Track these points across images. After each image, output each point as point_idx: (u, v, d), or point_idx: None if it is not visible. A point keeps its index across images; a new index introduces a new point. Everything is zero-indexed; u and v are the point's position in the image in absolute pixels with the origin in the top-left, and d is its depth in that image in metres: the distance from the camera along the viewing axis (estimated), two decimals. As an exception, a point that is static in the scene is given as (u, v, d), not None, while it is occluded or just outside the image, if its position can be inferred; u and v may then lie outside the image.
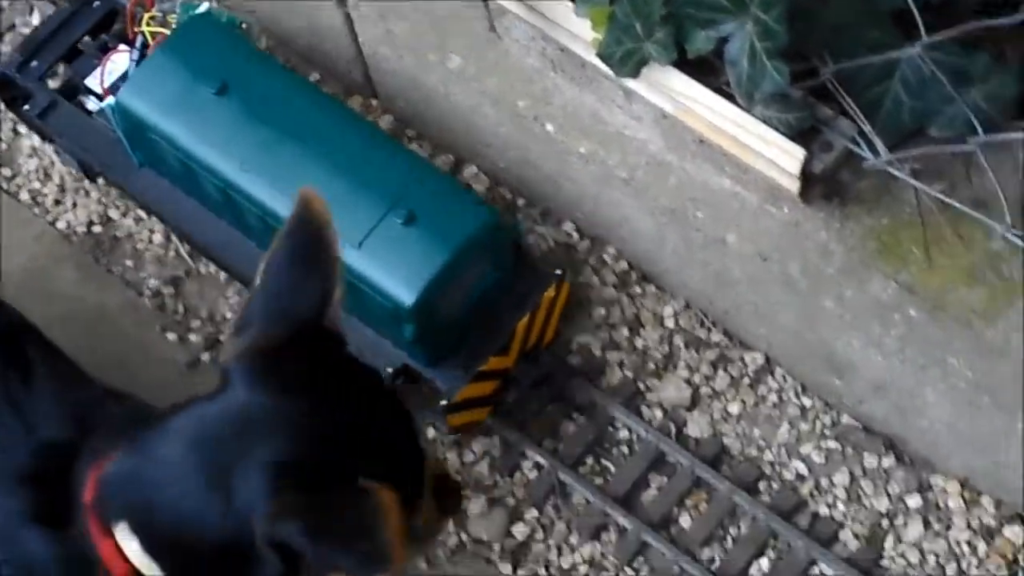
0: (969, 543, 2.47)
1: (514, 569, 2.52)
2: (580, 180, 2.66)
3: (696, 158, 2.40)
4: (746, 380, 2.58)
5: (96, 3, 2.82)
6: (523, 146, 2.72)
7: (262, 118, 2.55)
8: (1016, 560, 2.48)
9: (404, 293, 2.37)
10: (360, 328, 2.54)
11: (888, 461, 2.53)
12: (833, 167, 2.39)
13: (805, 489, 2.52)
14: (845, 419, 2.54)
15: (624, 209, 2.59)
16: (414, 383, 2.56)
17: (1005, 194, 2.29)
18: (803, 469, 2.53)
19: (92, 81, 2.77)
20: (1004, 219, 2.19)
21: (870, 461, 2.53)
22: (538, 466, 2.52)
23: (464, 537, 2.57)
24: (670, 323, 2.60)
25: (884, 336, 2.45)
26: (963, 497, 2.50)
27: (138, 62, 2.70)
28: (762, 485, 2.53)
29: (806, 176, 2.37)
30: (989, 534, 2.48)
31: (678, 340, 2.57)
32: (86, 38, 2.82)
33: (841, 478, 2.54)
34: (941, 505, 2.51)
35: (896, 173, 2.31)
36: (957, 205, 2.30)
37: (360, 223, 2.42)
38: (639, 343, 2.56)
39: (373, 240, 2.41)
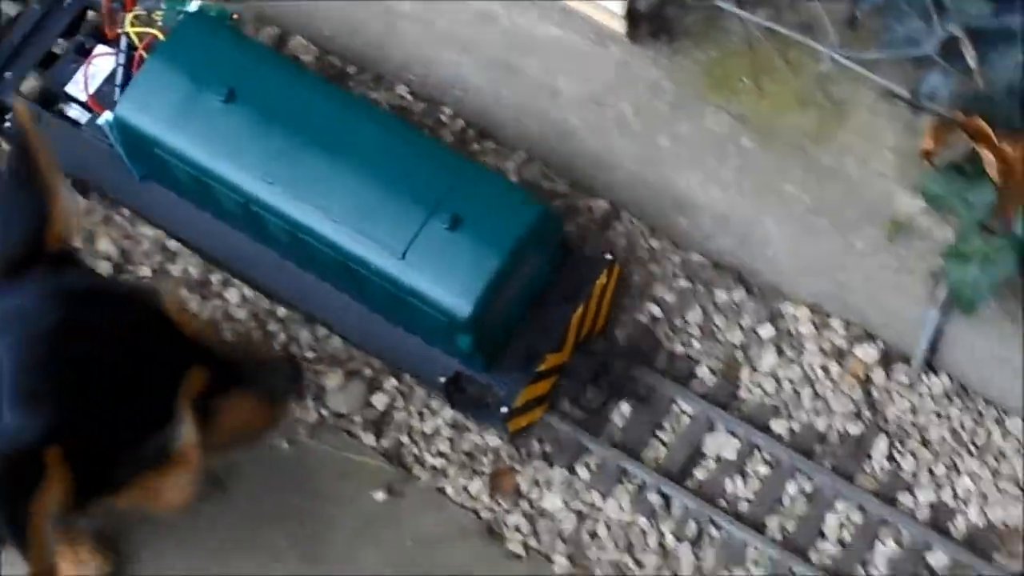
0: (823, 367, 2.37)
1: (377, 438, 2.41)
2: (408, 42, 2.50)
3: (522, 7, 2.24)
4: (593, 227, 2.44)
5: (67, 1, 2.49)
6: (347, 12, 2.54)
7: (278, 125, 2.26)
8: (868, 379, 2.41)
9: (459, 305, 2.12)
10: (405, 337, 2.32)
11: (739, 294, 2.47)
12: (658, 4, 2.26)
13: (660, 331, 2.41)
14: (695, 257, 2.44)
15: (454, 67, 2.44)
16: (464, 391, 2.35)
17: (830, 16, 2.17)
18: (657, 311, 2.42)
19: (74, 88, 2.44)
20: (829, 40, 2.06)
21: (721, 296, 2.43)
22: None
23: (324, 412, 2.43)
24: (514, 177, 2.44)
25: (721, 169, 2.33)
26: (813, 322, 2.46)
27: (125, 66, 2.40)
28: (618, 333, 2.43)
29: (632, 15, 2.25)
30: (840, 356, 2.44)
31: (523, 193, 2.40)
32: (60, 40, 2.50)
33: (694, 316, 2.43)
34: (793, 332, 2.43)
35: (721, 4, 2.18)
36: (783, 31, 2.19)
37: (401, 231, 2.13)
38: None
39: (418, 249, 2.12)
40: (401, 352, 2.29)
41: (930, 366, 2.37)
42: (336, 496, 2.39)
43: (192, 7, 2.40)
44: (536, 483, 2.39)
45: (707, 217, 2.38)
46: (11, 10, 2.64)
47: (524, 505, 2.38)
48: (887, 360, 2.40)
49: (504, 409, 2.23)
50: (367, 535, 2.36)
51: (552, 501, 2.37)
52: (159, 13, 2.42)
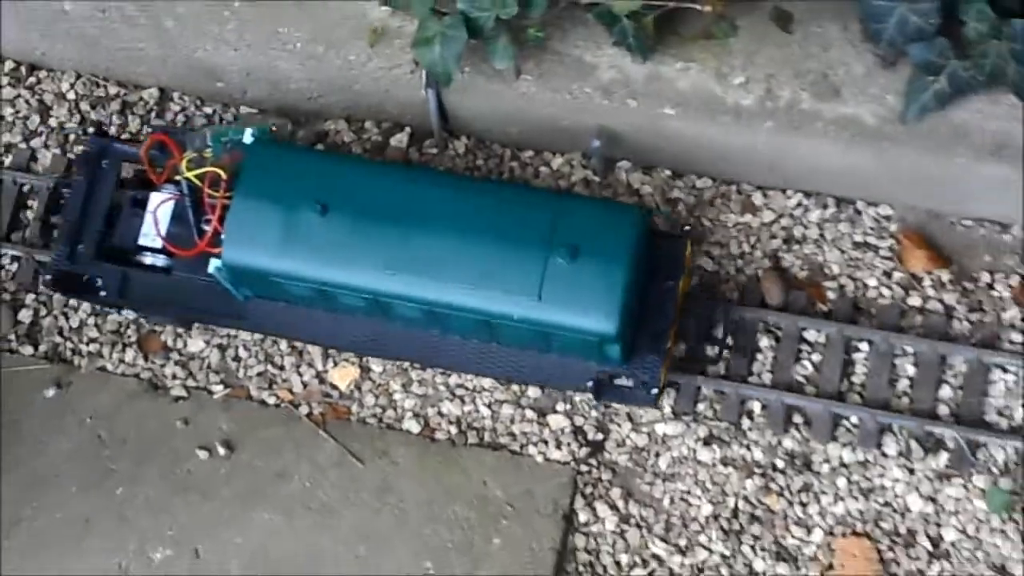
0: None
1: (35, 347, 2.45)
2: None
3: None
4: (153, 114, 2.48)
5: (104, 163, 2.28)
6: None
7: (379, 219, 2.04)
8: (408, 158, 2.43)
9: (604, 324, 2.00)
10: (537, 357, 2.18)
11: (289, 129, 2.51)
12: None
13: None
14: (243, 110, 2.50)
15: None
16: (610, 385, 2.20)
17: None
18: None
19: (147, 239, 2.23)
20: None
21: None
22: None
23: (-18, 342, 2.54)
24: (71, 96, 2.42)
25: (224, 32, 2.32)
26: (352, 131, 2.46)
27: (193, 207, 2.17)
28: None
29: None
30: (382, 150, 2.45)
31: (85, 106, 2.47)
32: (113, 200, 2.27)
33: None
34: (339, 142, 2.46)
35: None
36: None
37: (528, 277, 2.01)
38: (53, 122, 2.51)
39: (549, 288, 2.01)
40: (536, 371, 2.19)
41: (450, 133, 2.47)
42: (14, 406, 2.39)
43: (247, 138, 2.17)
44: (179, 335, 2.43)
45: (234, 74, 2.41)
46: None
47: (174, 356, 2.43)
48: (417, 139, 2.50)
49: (655, 390, 2.16)
50: (50, 427, 2.41)
51: (196, 344, 2.41)
52: (208, 152, 2.18)
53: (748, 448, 2.30)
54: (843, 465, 2.26)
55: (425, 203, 2.07)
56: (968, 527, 2.20)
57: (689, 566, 2.25)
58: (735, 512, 2.27)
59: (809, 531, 2.24)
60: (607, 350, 2.12)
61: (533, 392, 2.39)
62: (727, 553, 2.25)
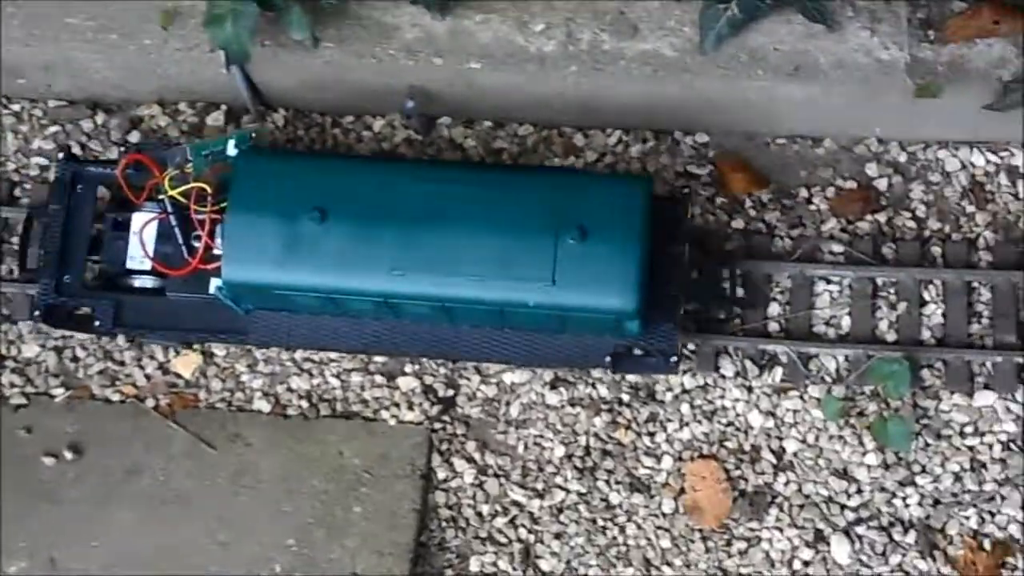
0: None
1: None
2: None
3: None
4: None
5: (79, 187, 2.06)
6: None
7: (380, 220, 1.84)
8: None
9: (622, 301, 1.84)
10: (552, 338, 1.99)
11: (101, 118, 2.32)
12: None
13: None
14: (52, 103, 2.26)
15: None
16: (628, 357, 2.02)
17: None
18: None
19: (134, 262, 2.00)
20: None
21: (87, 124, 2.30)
22: None
23: None
24: None
25: (11, 28, 2.10)
26: (167, 114, 2.24)
27: (179, 225, 1.96)
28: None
29: None
30: (198, 130, 2.25)
31: None
32: (96, 226, 2.07)
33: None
34: (155, 127, 2.27)
35: None
36: None
37: (539, 263, 1.83)
38: None
39: (562, 271, 1.83)
40: (552, 352, 2.00)
41: (267, 106, 2.26)
42: None
43: (231, 150, 1.95)
44: (11, 341, 2.22)
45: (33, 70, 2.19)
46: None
47: (10, 363, 2.24)
48: (234, 116, 2.27)
49: (674, 358, 2.01)
50: None
51: (30, 349, 2.21)
52: (189, 167, 1.96)
53: (593, 387, 2.21)
54: (685, 391, 2.19)
55: (425, 198, 1.86)
56: (808, 437, 2.15)
57: (548, 508, 2.17)
58: (587, 450, 2.19)
59: (659, 459, 2.16)
60: (625, 326, 1.97)
61: (380, 357, 2.26)
62: (583, 491, 2.17)
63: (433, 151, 2.32)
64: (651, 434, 2.17)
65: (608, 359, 2.03)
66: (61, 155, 2.13)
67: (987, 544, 2.05)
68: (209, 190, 1.95)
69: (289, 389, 2.22)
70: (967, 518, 2.06)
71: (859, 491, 2.10)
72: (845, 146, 2.21)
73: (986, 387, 2.09)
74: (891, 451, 2.11)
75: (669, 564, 2.11)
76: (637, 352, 2.06)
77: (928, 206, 2.22)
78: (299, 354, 2.26)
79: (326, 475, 2.15)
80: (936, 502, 2.08)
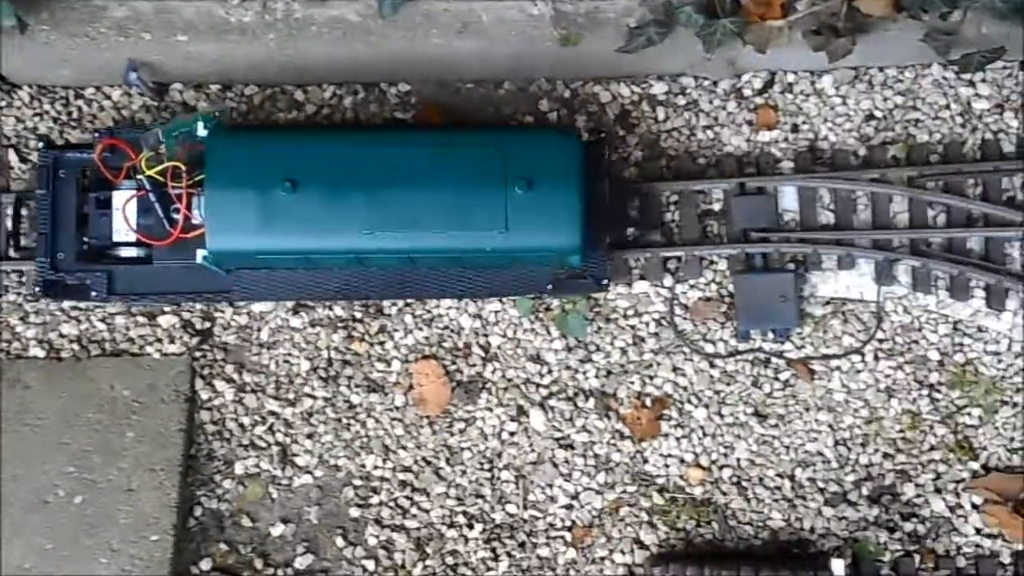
0: None
1: None
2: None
3: None
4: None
5: (61, 172, 1.95)
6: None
7: (346, 186, 1.76)
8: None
9: (569, 241, 1.82)
10: (500, 273, 1.95)
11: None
12: None
13: None
14: None
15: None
16: (562, 285, 1.98)
17: None
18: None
19: (119, 235, 1.91)
20: None
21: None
22: None
23: None
24: None
25: None
26: None
27: (159, 200, 1.87)
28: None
29: None
30: None
31: None
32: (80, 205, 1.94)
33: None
34: None
35: None
36: None
37: (493, 214, 1.80)
38: None
39: (513, 219, 1.80)
40: (500, 285, 1.96)
41: (13, 85, 2.06)
42: None
43: (200, 131, 1.85)
44: None
45: None
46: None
47: None
48: None
49: (605, 281, 2.01)
50: None
51: None
52: (162, 148, 1.86)
53: (331, 309, 2.17)
54: (407, 304, 2.15)
55: (387, 162, 1.78)
56: (508, 332, 2.18)
57: (300, 413, 2.14)
58: (329, 362, 2.16)
59: (389, 364, 2.17)
60: (569, 259, 1.94)
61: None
62: (328, 396, 2.15)
63: (168, 114, 2.15)
64: (381, 343, 2.16)
65: (550, 286, 2.01)
66: (41, 144, 1.98)
67: (648, 402, 2.14)
68: (183, 167, 1.85)
69: (60, 335, 2.10)
70: (632, 383, 2.14)
71: (550, 372, 2.14)
72: (521, 87, 2.18)
73: (641, 277, 2.13)
74: (572, 337, 2.16)
75: (404, 448, 2.13)
76: (573, 277, 2.02)
77: (590, 132, 2.27)
78: (67, 304, 2.11)
79: (100, 408, 2.06)
80: (608, 373, 2.16)
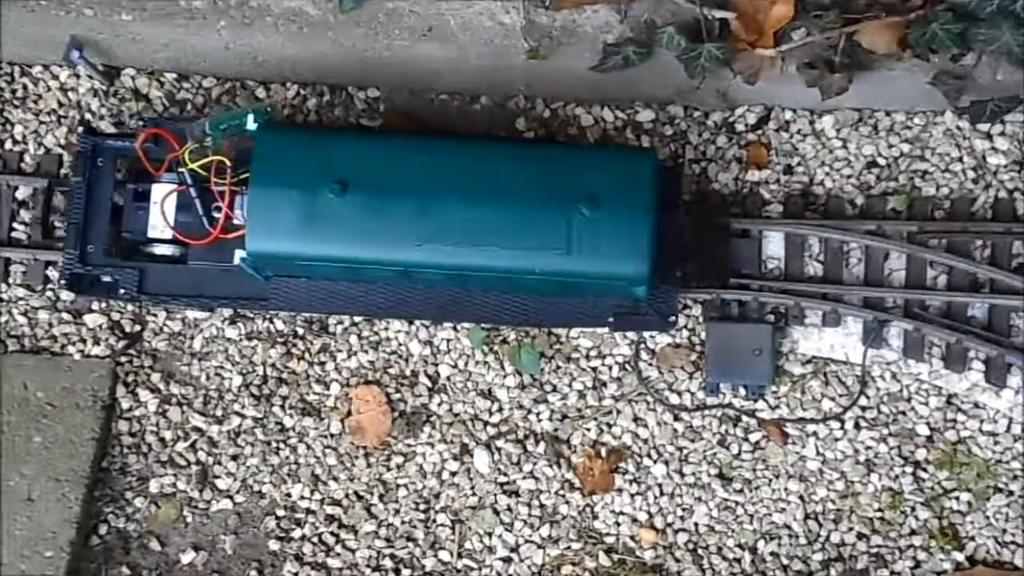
0: None
1: None
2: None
3: None
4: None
5: (99, 160, 1.83)
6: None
7: (399, 193, 1.64)
8: None
9: (635, 268, 1.67)
10: (557, 301, 1.81)
11: None
12: None
13: None
14: None
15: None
16: (629, 316, 1.84)
17: None
18: None
19: (155, 231, 1.78)
20: None
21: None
22: None
23: None
24: None
25: None
26: None
27: (200, 197, 1.75)
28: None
29: None
30: None
31: None
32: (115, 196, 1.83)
33: None
34: None
35: None
36: None
37: (555, 233, 1.66)
38: None
39: (576, 241, 1.66)
40: (556, 314, 1.83)
41: None
42: None
43: (250, 124, 1.72)
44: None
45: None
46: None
47: None
48: None
49: (672, 318, 1.86)
50: None
51: None
52: (208, 140, 1.73)
53: (271, 321, 2.04)
54: (354, 324, 2.04)
55: (443, 170, 1.65)
56: (459, 362, 2.03)
57: (226, 432, 2.00)
58: (264, 379, 2.02)
59: (328, 386, 2.02)
60: (635, 290, 1.78)
61: (67, 295, 2.01)
62: (259, 416, 2.00)
63: (117, 100, 2.02)
64: (322, 363, 2.01)
65: (611, 319, 1.85)
66: (80, 128, 1.87)
67: (603, 452, 1.98)
68: (228, 163, 1.72)
69: (-21, 327, 2.13)
70: (588, 430, 1.99)
71: (500, 409, 2.00)
72: (499, 102, 2.04)
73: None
74: (527, 375, 2.02)
75: (335, 479, 1.98)
76: (637, 312, 1.86)
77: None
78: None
79: (8, 408, 1.91)
80: (563, 416, 1.99)
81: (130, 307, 2.03)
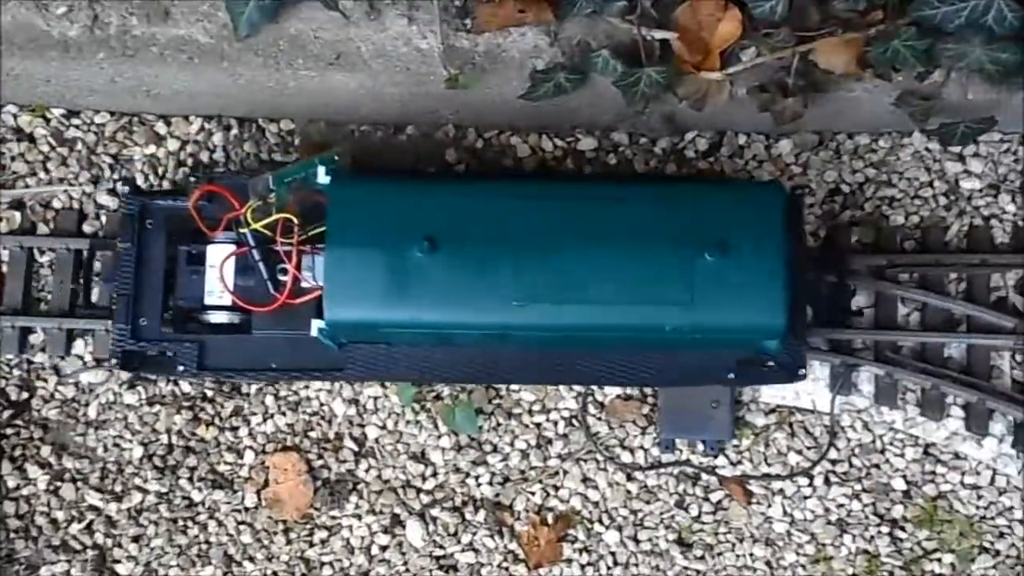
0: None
1: None
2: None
3: None
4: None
5: (148, 222, 1.66)
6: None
7: (494, 247, 1.48)
8: None
9: (772, 320, 1.49)
10: (673, 358, 1.62)
11: None
12: None
13: None
14: None
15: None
16: (746, 374, 1.65)
17: None
18: None
19: (213, 297, 1.60)
20: None
21: None
22: None
23: None
24: None
25: None
26: None
27: (264, 259, 1.58)
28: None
29: None
30: None
31: None
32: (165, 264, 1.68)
33: None
34: None
35: None
36: None
37: (676, 285, 1.48)
38: None
39: (701, 291, 1.48)
40: (671, 372, 1.63)
41: None
42: None
43: (322, 178, 1.55)
44: None
45: None
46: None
47: None
48: None
49: (801, 370, 1.64)
50: None
51: None
52: (271, 197, 1.58)
53: (176, 384, 1.84)
54: (271, 383, 1.85)
55: (545, 219, 1.45)
56: (388, 423, 1.84)
57: (127, 510, 1.80)
58: (169, 448, 1.82)
59: (241, 455, 1.82)
60: (767, 343, 1.57)
61: None
62: (164, 490, 1.82)
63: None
64: (234, 429, 1.82)
65: (731, 375, 1.63)
66: (126, 188, 1.67)
67: (550, 518, 1.80)
68: (296, 221, 1.54)
69: None
70: (532, 494, 1.81)
71: (435, 473, 1.82)
72: (426, 132, 1.86)
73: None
74: (464, 434, 1.85)
75: (251, 559, 1.79)
76: (762, 365, 1.65)
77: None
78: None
79: None
80: (505, 479, 1.82)
81: (16, 371, 1.83)
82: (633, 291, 1.50)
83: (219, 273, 1.64)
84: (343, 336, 1.64)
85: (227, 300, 1.63)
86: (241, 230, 1.61)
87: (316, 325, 1.57)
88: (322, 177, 1.57)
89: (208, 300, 1.64)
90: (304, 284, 1.60)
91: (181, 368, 1.66)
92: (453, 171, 1.87)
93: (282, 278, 1.62)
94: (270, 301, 1.60)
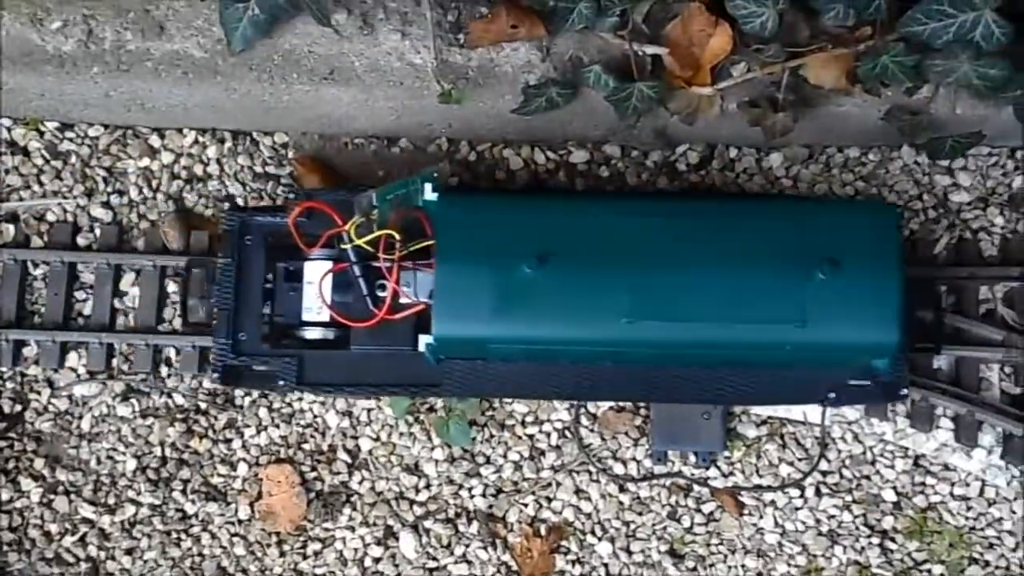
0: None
1: None
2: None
3: None
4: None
5: (247, 239, 1.68)
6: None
7: (606, 264, 1.48)
8: None
9: (885, 337, 1.50)
10: (772, 375, 1.61)
11: None
12: None
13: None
14: None
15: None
16: (844, 393, 1.64)
17: None
18: None
19: (310, 313, 1.63)
20: None
21: None
22: None
23: None
24: None
25: None
26: None
27: (365, 276, 1.60)
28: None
29: None
30: None
31: None
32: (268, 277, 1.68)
33: None
34: None
35: None
36: None
37: (788, 303, 1.50)
38: None
39: (813, 310, 1.50)
40: (770, 390, 1.63)
41: None
42: None
43: (428, 194, 1.57)
44: None
45: None
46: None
47: None
48: None
49: (903, 390, 1.62)
50: None
51: None
52: (374, 214, 1.58)
53: (169, 396, 1.85)
54: (263, 395, 1.86)
55: (655, 236, 1.46)
56: (381, 435, 1.85)
57: (120, 523, 1.81)
58: (162, 461, 1.83)
59: (235, 467, 1.83)
60: (877, 362, 1.58)
61: None
62: (157, 503, 1.82)
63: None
64: (228, 441, 1.83)
65: (832, 394, 1.62)
66: (227, 205, 1.72)
67: (543, 530, 1.81)
68: (398, 237, 1.54)
69: None
70: (525, 505, 1.82)
71: (428, 485, 1.83)
72: (420, 146, 1.87)
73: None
74: (457, 447, 1.85)
75: (245, 571, 1.79)
76: (859, 384, 1.63)
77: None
78: None
79: None
80: (498, 491, 1.83)
81: (9, 384, 1.83)
82: (744, 309, 1.50)
83: (317, 289, 1.63)
84: (448, 352, 1.64)
85: (325, 316, 1.64)
86: (344, 246, 1.61)
87: (424, 340, 1.57)
88: (429, 194, 1.58)
89: (306, 316, 1.65)
90: (403, 300, 1.60)
91: (281, 383, 1.66)
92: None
93: (381, 294, 1.62)
94: (369, 317, 1.60)
